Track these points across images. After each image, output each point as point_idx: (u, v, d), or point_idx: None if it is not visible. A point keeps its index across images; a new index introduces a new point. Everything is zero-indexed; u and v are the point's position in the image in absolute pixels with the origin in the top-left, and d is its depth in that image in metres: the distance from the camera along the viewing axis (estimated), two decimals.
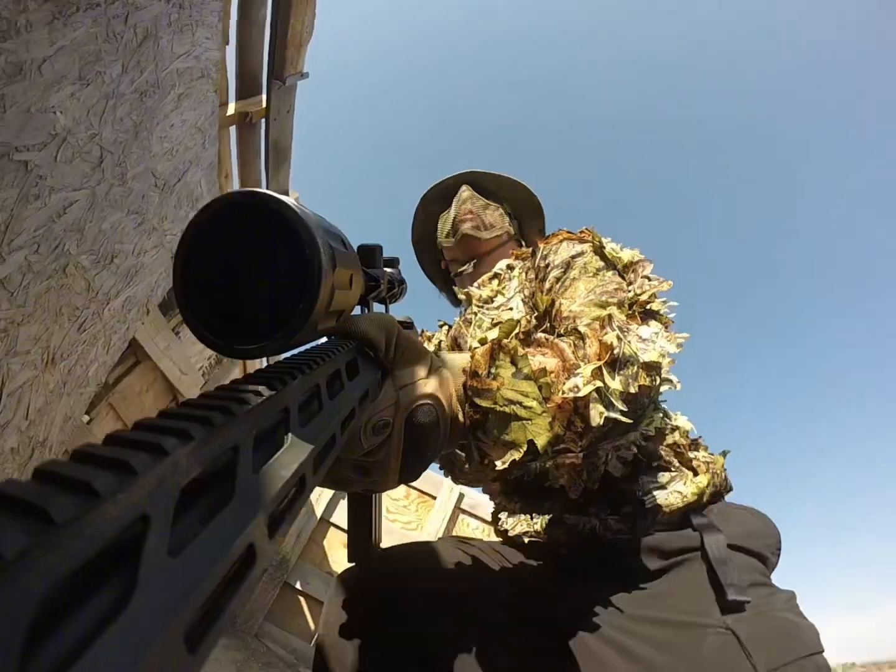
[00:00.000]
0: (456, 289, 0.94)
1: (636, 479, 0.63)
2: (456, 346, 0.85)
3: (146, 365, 1.69)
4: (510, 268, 0.85)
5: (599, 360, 0.51)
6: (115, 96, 0.96)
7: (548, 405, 0.47)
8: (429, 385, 0.42)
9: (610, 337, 0.53)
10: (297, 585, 2.24)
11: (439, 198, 1.00)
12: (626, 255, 0.70)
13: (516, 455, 0.46)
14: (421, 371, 0.42)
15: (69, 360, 1.13)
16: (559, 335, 0.61)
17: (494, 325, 0.74)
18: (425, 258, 1.08)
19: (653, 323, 0.59)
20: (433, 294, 1.10)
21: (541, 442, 0.46)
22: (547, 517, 0.67)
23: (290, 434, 0.20)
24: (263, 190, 0.25)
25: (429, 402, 0.42)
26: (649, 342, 0.54)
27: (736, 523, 0.61)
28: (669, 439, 0.66)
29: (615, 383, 0.49)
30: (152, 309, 1.42)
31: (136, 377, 1.69)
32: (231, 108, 1.58)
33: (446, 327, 0.95)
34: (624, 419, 0.49)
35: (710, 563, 0.56)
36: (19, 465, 1.08)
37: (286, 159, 1.71)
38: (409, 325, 0.69)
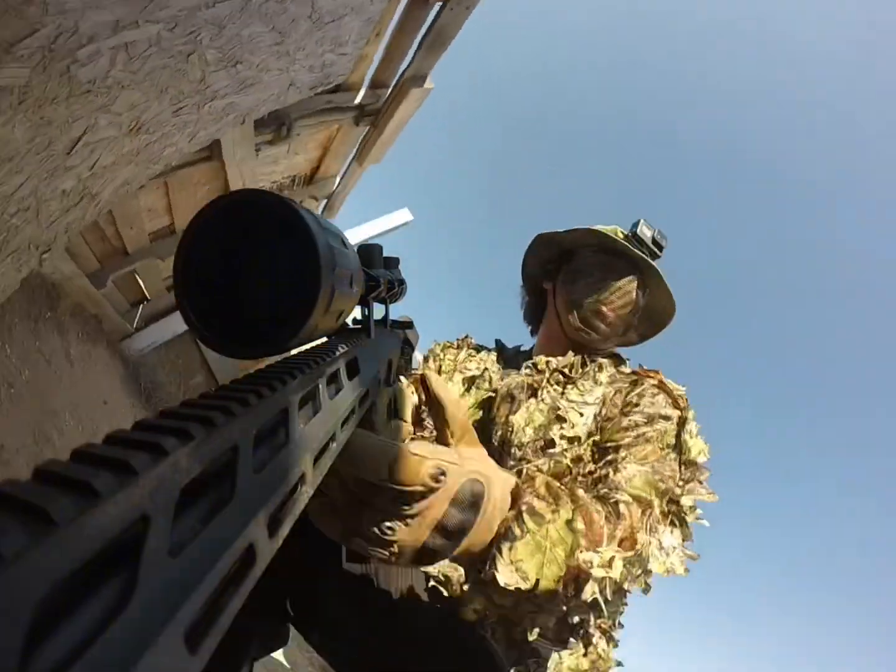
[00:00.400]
0: (532, 360, 0.83)
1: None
2: (510, 399, 0.78)
3: (215, 164, 1.70)
4: (600, 367, 0.78)
5: (620, 547, 0.52)
6: None
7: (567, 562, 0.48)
8: (485, 468, 0.45)
9: (642, 536, 0.54)
10: None
11: (594, 241, 0.85)
12: (696, 449, 0.68)
13: (524, 585, 0.46)
14: (480, 454, 0.47)
15: (152, 135, 1.15)
16: (596, 496, 0.60)
17: (563, 441, 0.70)
18: (534, 261, 0.95)
19: (676, 532, 0.59)
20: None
21: (544, 586, 0.47)
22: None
23: (290, 434, 0.20)
24: (264, 189, 0.25)
25: (481, 479, 0.43)
26: (663, 553, 0.55)
27: None
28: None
29: (617, 574, 0.49)
30: (248, 121, 1.41)
31: (201, 170, 1.72)
32: None
33: (495, 354, 0.89)
34: (603, 609, 0.49)
35: None
36: (63, 209, 1.11)
37: (442, 48, 1.68)
38: (408, 324, 0.69)
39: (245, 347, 0.26)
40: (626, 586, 0.51)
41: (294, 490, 0.20)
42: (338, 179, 2.34)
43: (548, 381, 0.78)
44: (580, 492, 0.54)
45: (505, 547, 0.46)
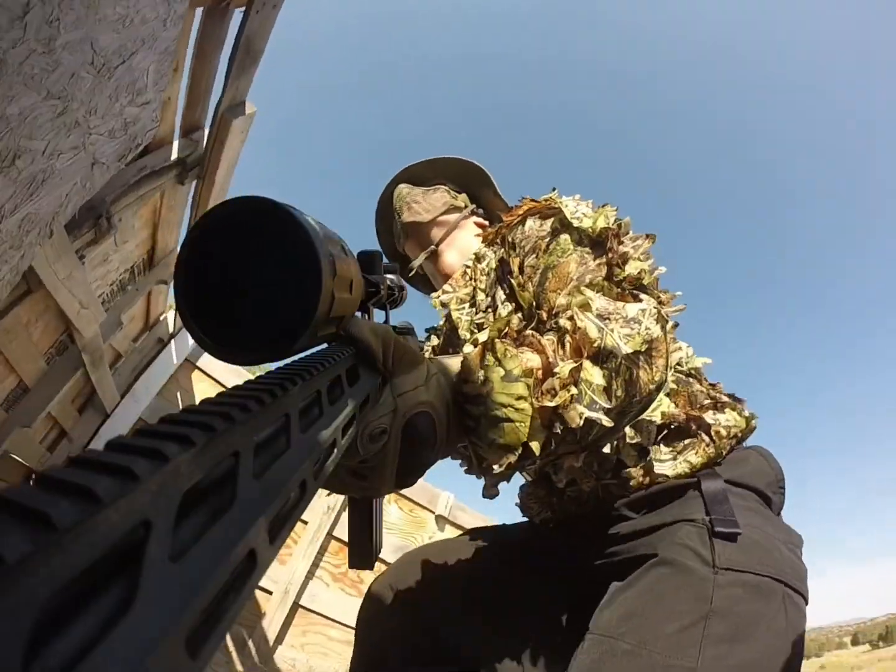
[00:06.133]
0: (432, 300, 0.86)
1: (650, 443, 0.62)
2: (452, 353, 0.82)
3: (39, 294, 1.31)
4: (479, 258, 0.80)
5: (579, 356, 0.50)
6: None
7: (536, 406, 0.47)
8: (425, 392, 0.43)
9: (591, 331, 0.50)
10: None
11: (390, 210, 0.96)
12: (600, 223, 0.63)
13: (511, 458, 0.46)
14: (418, 378, 0.42)
15: None
16: (547, 331, 0.58)
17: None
18: (388, 238, 1.02)
19: (644, 297, 0.56)
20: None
21: (535, 444, 0.46)
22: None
23: (291, 440, 0.20)
24: (264, 196, 0.26)
25: (425, 409, 0.42)
26: (634, 323, 0.51)
27: (734, 463, 0.62)
28: (689, 387, 0.64)
29: (597, 378, 0.47)
30: (57, 230, 1.04)
31: (25, 308, 1.36)
32: None
33: (435, 337, 0.92)
34: (606, 421, 0.47)
35: (705, 499, 0.57)
36: None
37: (254, 63, 1.36)
38: (408, 330, 0.69)
39: (246, 353, 0.26)
40: (616, 385, 0.48)
41: (295, 496, 0.20)
42: (178, 248, 2.01)
43: (456, 308, 0.80)
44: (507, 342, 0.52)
45: (475, 440, 0.47)
